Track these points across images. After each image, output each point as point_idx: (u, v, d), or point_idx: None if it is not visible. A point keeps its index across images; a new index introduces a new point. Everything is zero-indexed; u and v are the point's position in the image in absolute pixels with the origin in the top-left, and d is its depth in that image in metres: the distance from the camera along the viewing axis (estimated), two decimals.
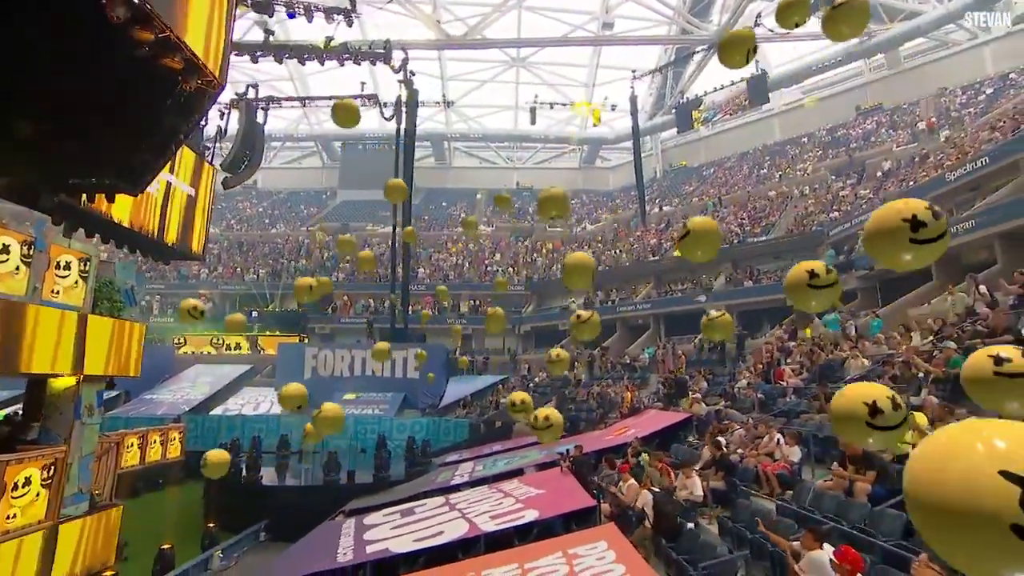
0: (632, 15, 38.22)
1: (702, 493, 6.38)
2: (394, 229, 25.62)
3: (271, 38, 20.28)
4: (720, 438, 7.63)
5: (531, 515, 6.67)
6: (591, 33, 38.78)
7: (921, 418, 5.76)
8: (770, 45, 35.81)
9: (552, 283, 29.70)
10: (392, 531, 7.49)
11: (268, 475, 13.72)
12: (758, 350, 14.35)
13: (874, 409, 2.05)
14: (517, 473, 10.62)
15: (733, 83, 34.70)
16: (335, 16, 18.85)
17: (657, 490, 6.01)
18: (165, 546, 8.75)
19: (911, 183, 19.34)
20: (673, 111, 38.94)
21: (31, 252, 7.50)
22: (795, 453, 6.66)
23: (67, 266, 8.27)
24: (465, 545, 6.61)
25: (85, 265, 8.38)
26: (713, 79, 36.44)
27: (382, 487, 12.05)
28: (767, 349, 13.03)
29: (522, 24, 38.83)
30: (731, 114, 35.30)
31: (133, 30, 4.45)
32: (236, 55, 18.41)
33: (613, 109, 37.31)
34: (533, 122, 36.99)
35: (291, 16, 18.04)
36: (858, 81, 37.67)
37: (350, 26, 19.30)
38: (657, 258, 25.93)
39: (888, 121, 31.78)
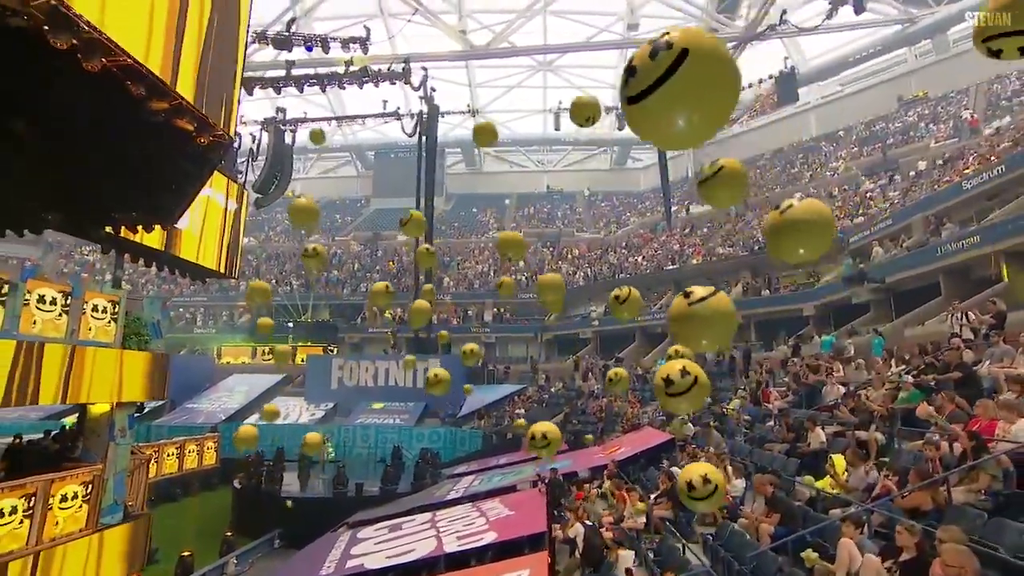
0: (657, 14, 37.92)
1: (645, 521, 6.84)
2: (416, 239, 26.65)
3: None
4: (675, 468, 8.02)
5: (490, 537, 7.30)
6: (617, 35, 38.70)
7: (839, 463, 6.04)
8: (803, 37, 34.81)
9: (576, 291, 30.05)
10: (375, 546, 8.29)
11: (292, 482, 14.92)
12: (757, 367, 14.38)
13: (668, 380, 2.47)
14: (510, 489, 11.26)
15: (761, 81, 33.91)
16: (351, 45, 19.86)
17: (590, 523, 6.52)
18: (185, 553, 9.92)
19: (936, 187, 18.67)
20: None
21: (68, 300, 8.75)
22: (737, 487, 7.00)
23: (104, 310, 9.50)
24: (429, 563, 7.32)
25: (115, 307, 9.59)
26: (742, 76, 35.72)
27: (388, 499, 12.96)
28: (756, 371, 13.12)
29: (547, 29, 39.12)
30: (753, 116, 34.53)
31: (150, 102, 5.56)
32: (260, 87, 19.72)
33: None
34: (558, 127, 37.27)
35: (309, 49, 19.14)
36: (902, 69, 35.98)
37: (365, 53, 20.28)
38: (677, 266, 25.89)
39: (931, 113, 30.37)
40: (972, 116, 25.80)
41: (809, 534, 5.05)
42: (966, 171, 16.83)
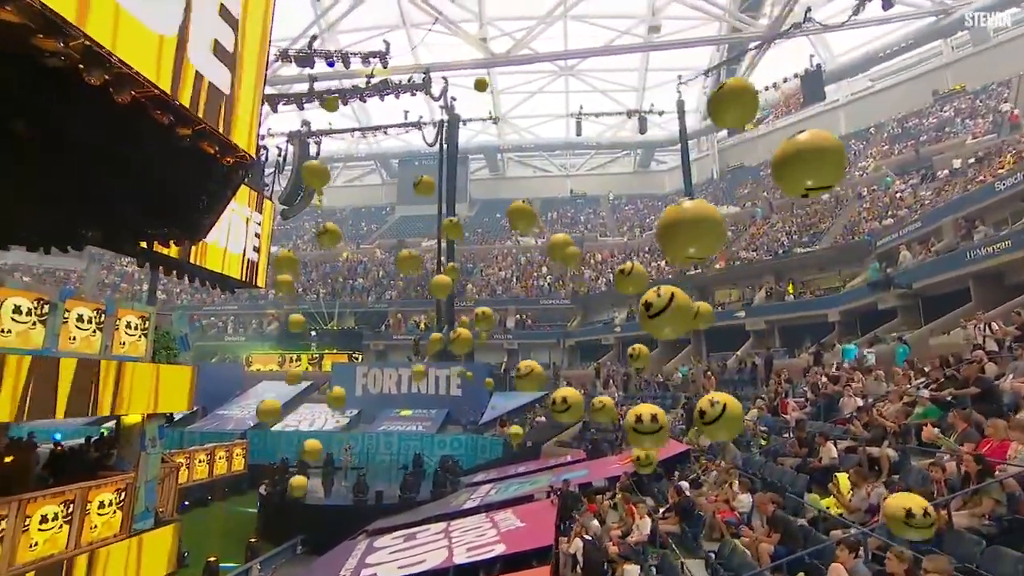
0: (680, 15, 37.51)
1: (648, 534, 6.87)
2: (439, 243, 27.03)
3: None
4: (684, 482, 8.00)
5: (499, 549, 7.43)
6: (639, 37, 38.42)
7: (844, 481, 5.95)
8: (830, 33, 33.93)
9: (599, 296, 29.99)
10: (389, 556, 8.51)
11: (316, 489, 15.36)
12: (778, 375, 14.11)
13: (647, 304, 2.46)
14: (527, 499, 11.35)
15: (786, 80, 33.26)
16: (371, 59, 20.34)
17: (589, 537, 6.57)
18: (211, 558, 10.35)
19: (969, 187, 18.00)
20: None
21: (103, 317, 9.26)
22: (744, 503, 6.95)
23: (135, 326, 10.02)
24: (439, 574, 7.48)
25: (145, 322, 10.09)
26: (767, 75, 35.10)
27: (407, 507, 13.21)
28: (776, 381, 12.90)
29: (568, 33, 39.12)
30: (779, 116, 33.82)
31: (176, 128, 6.01)
32: (284, 104, 20.37)
33: (661, 115, 36.78)
34: (579, 133, 37.28)
35: (331, 65, 19.71)
36: (936, 62, 34.68)
37: (385, 67, 20.73)
38: (700, 270, 25.56)
39: (968, 108, 29.27)
40: (1013, 111, 24.75)
41: (808, 555, 5.02)
42: (1000, 170, 16.21)
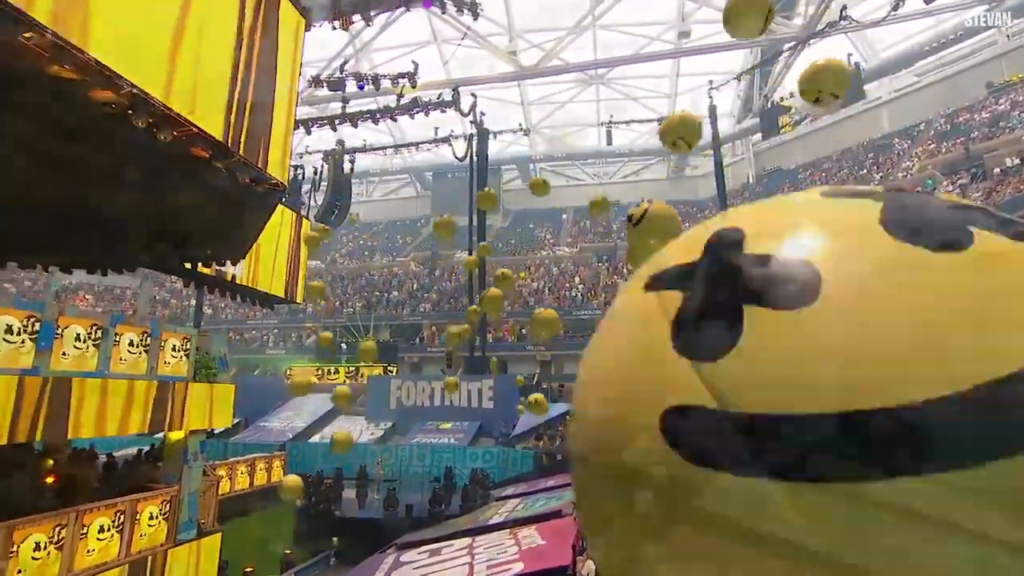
0: (710, 19, 36.99)
1: None
2: (471, 254, 27.40)
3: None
4: None
5: (517, 568, 7.52)
6: (669, 44, 38.11)
7: None
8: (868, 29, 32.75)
9: None
10: (413, 571, 8.72)
11: (350, 499, 15.80)
12: None
13: (630, 216, 2.34)
14: (555, 515, 11.37)
15: None
16: (400, 79, 20.92)
17: None
18: (248, 569, 10.81)
19: (1022, 187, 17.09)
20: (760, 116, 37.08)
21: (148, 340, 9.93)
22: None
23: (178, 348, 10.69)
24: None
25: (187, 344, 10.74)
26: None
27: (436, 521, 13.44)
28: None
29: (597, 42, 39.13)
30: (816, 116, 32.83)
31: (213, 161, 6.55)
32: (318, 127, 21.19)
33: None
34: (610, 142, 37.16)
35: (360, 87, 20.38)
36: (991, 52, 32.85)
37: (414, 87, 21.26)
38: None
39: None
40: None
41: None
42: None
